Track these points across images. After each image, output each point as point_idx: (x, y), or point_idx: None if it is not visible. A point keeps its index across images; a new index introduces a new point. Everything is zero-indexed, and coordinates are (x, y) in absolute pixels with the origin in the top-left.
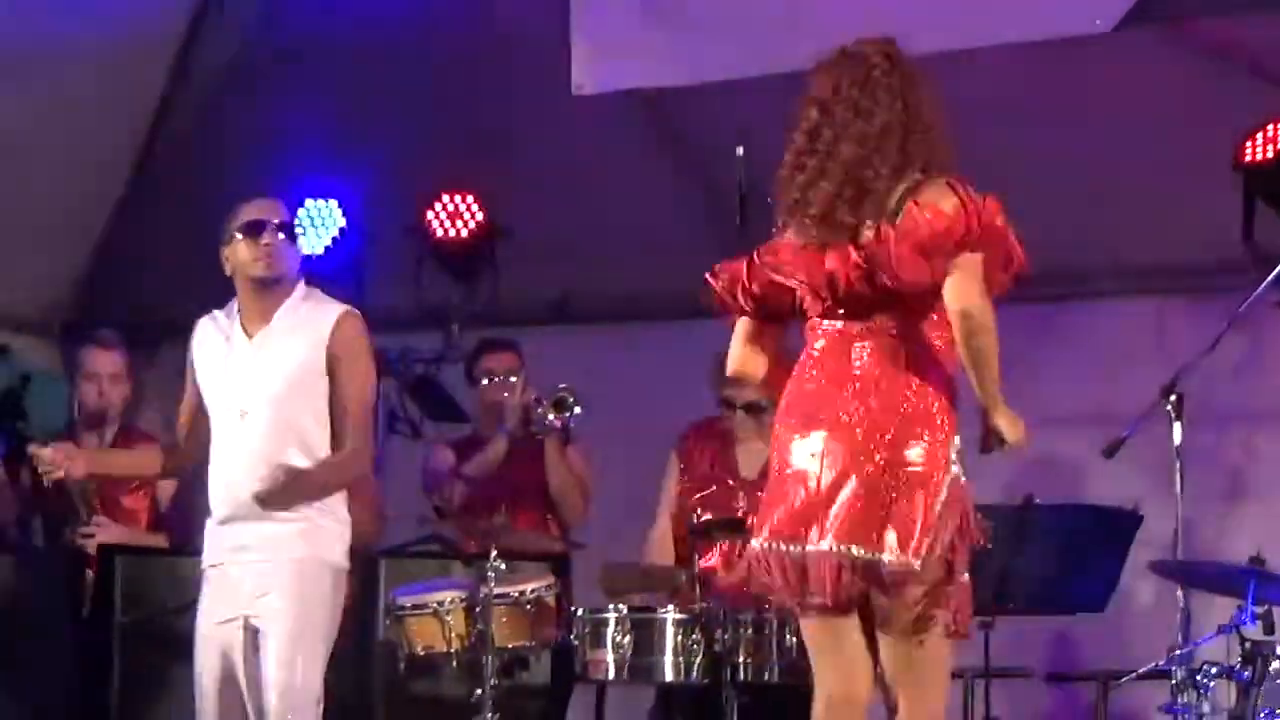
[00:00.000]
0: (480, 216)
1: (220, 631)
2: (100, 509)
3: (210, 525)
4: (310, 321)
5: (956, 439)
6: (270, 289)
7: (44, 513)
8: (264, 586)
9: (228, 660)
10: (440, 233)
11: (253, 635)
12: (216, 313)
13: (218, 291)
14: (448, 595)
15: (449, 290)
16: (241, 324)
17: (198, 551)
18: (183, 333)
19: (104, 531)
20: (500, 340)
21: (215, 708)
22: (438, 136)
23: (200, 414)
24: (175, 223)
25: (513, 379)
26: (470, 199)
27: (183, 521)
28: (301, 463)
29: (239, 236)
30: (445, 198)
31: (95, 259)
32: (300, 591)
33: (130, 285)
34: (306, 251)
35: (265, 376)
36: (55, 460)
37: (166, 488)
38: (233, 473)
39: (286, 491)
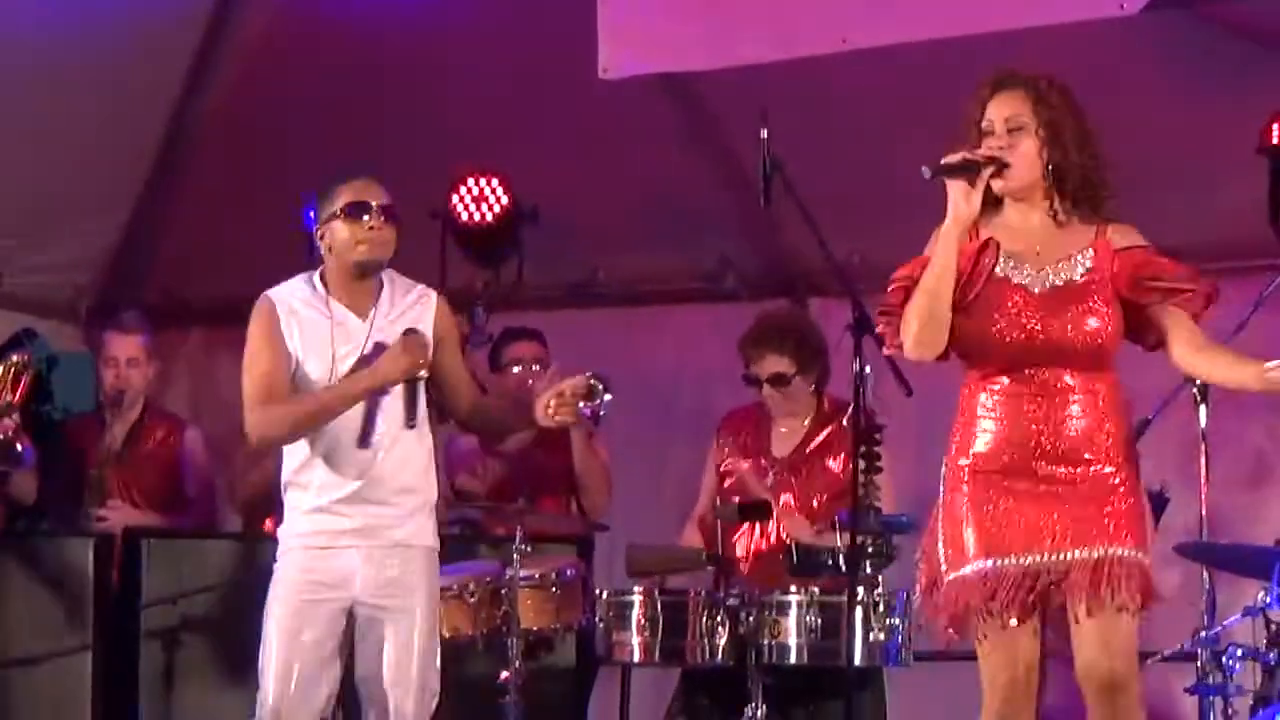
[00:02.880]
0: (505, 200)
1: (319, 609)
2: (120, 492)
3: (314, 503)
4: (419, 303)
5: None
6: (370, 272)
7: (58, 497)
8: (376, 573)
9: (322, 644)
10: (465, 216)
11: (353, 622)
12: (290, 287)
13: (244, 272)
14: (473, 578)
15: (474, 274)
16: (341, 303)
17: (222, 534)
18: (211, 314)
19: (116, 514)
20: (526, 329)
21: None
22: (463, 119)
23: (295, 389)
24: (202, 205)
25: (537, 368)
26: (495, 182)
27: (210, 500)
28: (415, 442)
29: (339, 216)
30: (470, 181)
31: (122, 241)
32: (427, 580)
33: (158, 267)
34: None
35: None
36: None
37: (198, 465)
38: (352, 452)
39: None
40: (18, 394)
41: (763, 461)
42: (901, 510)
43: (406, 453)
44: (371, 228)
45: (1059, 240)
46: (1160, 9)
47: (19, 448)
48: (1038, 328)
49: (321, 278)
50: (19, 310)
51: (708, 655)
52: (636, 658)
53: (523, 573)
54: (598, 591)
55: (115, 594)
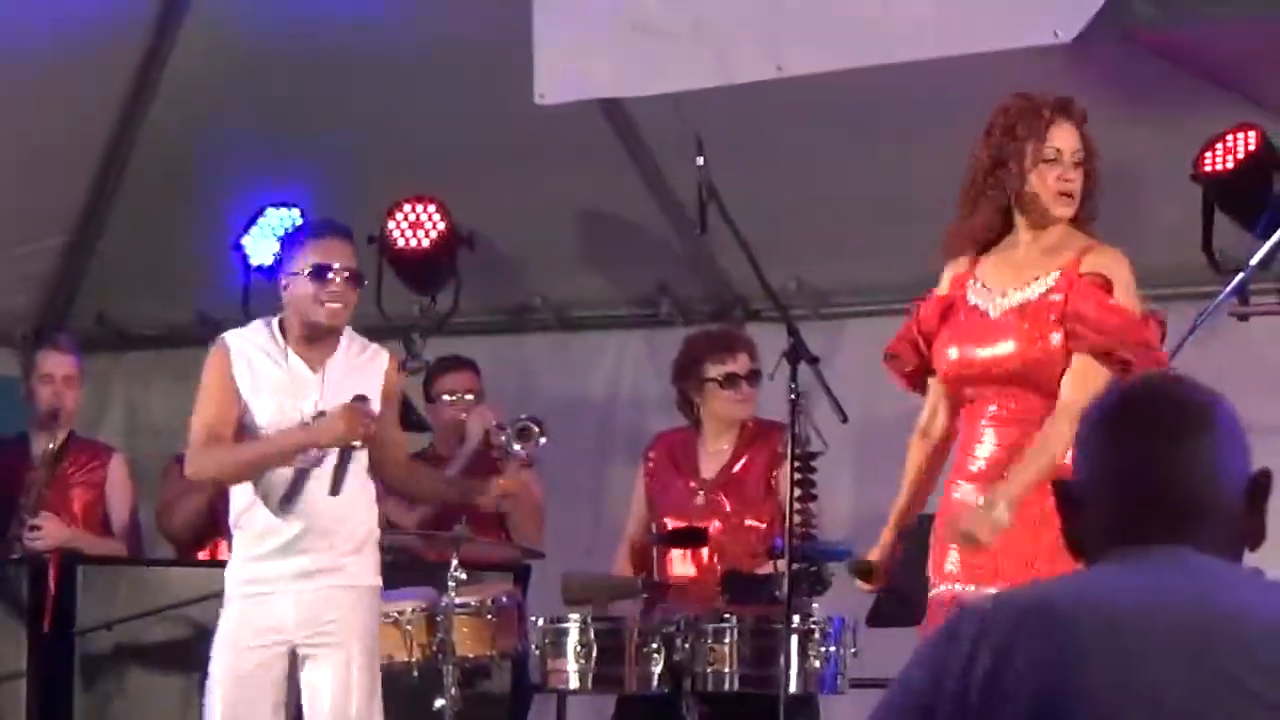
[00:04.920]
0: (442, 226)
1: (258, 657)
2: (48, 509)
3: (252, 548)
4: (371, 363)
5: None
6: (326, 334)
7: None
8: (312, 615)
9: (262, 686)
10: (402, 242)
11: (294, 664)
12: (247, 331)
13: (183, 298)
14: (408, 605)
15: (410, 300)
16: (297, 352)
17: (155, 560)
18: (147, 340)
19: (50, 527)
20: (459, 359)
21: None
22: (399, 145)
23: (242, 433)
24: (140, 231)
25: (469, 397)
26: (432, 208)
27: (137, 531)
28: (358, 494)
29: (304, 274)
30: (407, 207)
31: (59, 266)
32: (349, 619)
33: (95, 294)
34: (268, 260)
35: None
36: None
37: (122, 498)
38: (292, 499)
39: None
40: None
41: (692, 483)
42: (835, 537)
43: (348, 497)
44: (334, 291)
45: (1039, 261)
46: (1095, 38)
47: None
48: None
49: (281, 325)
50: None
51: (643, 682)
52: (572, 685)
53: (458, 600)
54: (533, 619)
55: (50, 620)
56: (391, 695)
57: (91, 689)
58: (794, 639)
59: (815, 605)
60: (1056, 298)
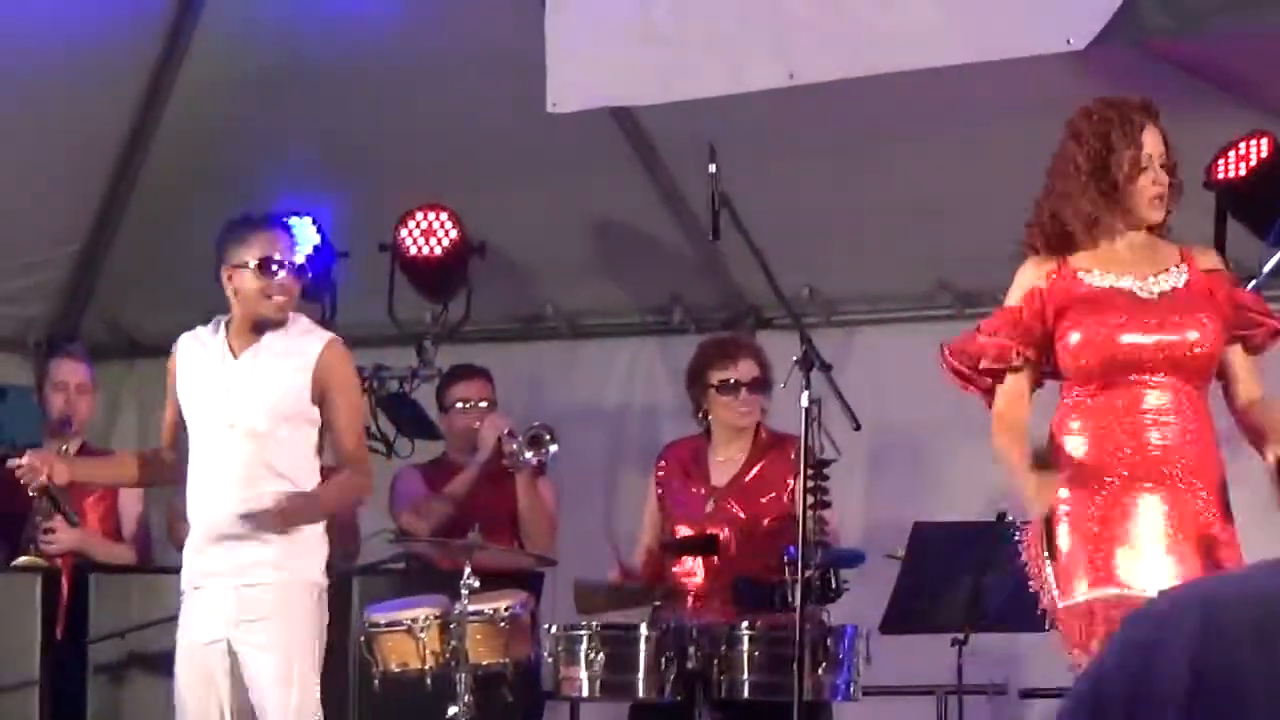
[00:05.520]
0: (455, 233)
1: (202, 653)
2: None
3: (189, 544)
4: (298, 347)
5: None
6: (271, 328)
7: (4, 529)
8: (247, 611)
9: (209, 682)
10: (414, 250)
11: (235, 660)
12: (199, 329)
13: (194, 306)
14: (422, 612)
15: (423, 307)
16: (228, 342)
17: (166, 568)
18: (159, 349)
19: (65, 533)
20: (472, 367)
21: None
22: (411, 152)
23: (180, 430)
24: (152, 239)
25: (482, 405)
26: (444, 216)
27: (146, 539)
28: (278, 488)
29: (249, 266)
30: (419, 215)
31: (72, 274)
32: (286, 614)
33: (107, 301)
34: None
35: (251, 397)
36: (36, 466)
37: (132, 506)
38: (213, 492)
39: (285, 516)
40: None
41: (703, 491)
42: (847, 544)
43: (280, 490)
44: (279, 284)
45: (1151, 257)
46: (1108, 45)
47: None
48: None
49: (227, 321)
50: None
51: (656, 690)
52: (585, 693)
53: (471, 607)
54: (546, 626)
55: (63, 628)
56: (404, 703)
57: (104, 697)
58: (807, 646)
59: (828, 612)
60: (1199, 289)
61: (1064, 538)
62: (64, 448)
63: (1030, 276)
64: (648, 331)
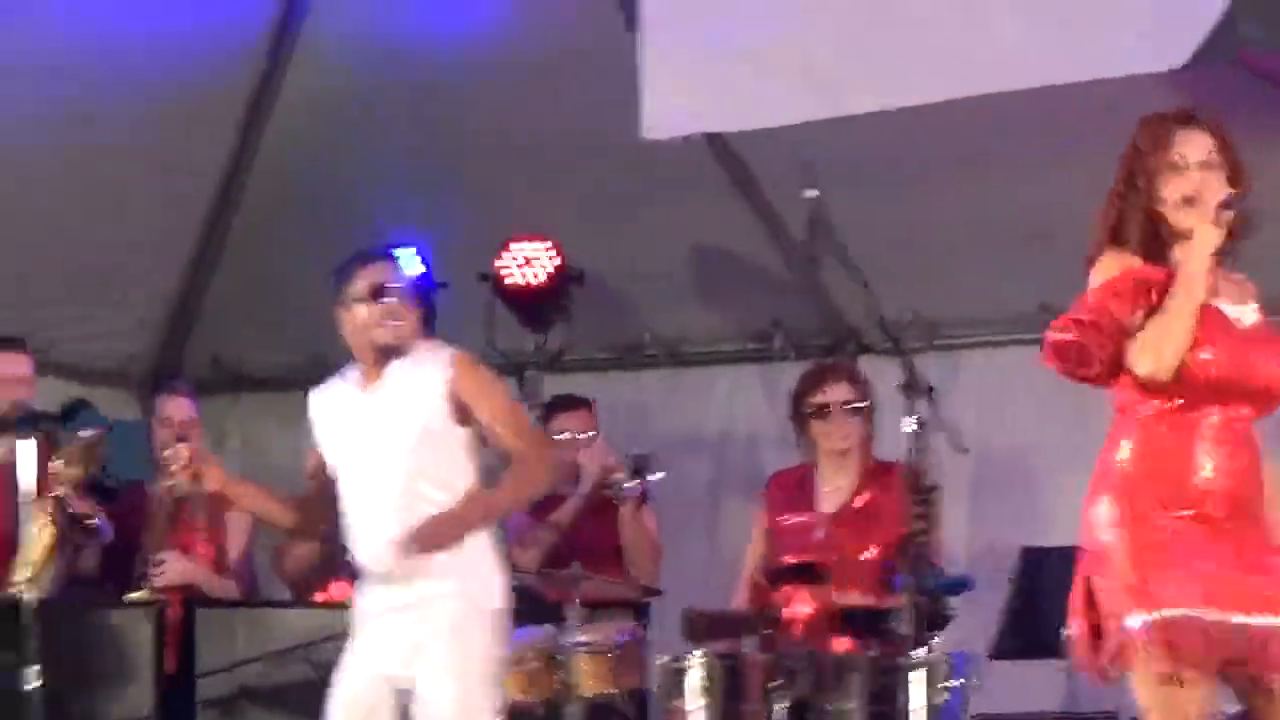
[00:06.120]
0: (555, 262)
1: (369, 688)
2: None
3: (359, 576)
4: (425, 371)
5: None
6: (390, 356)
7: (117, 562)
8: (420, 644)
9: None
10: (513, 279)
11: (404, 696)
12: (329, 382)
13: (297, 339)
14: (529, 645)
15: (523, 337)
16: (356, 381)
17: (273, 602)
18: (263, 382)
19: (173, 563)
20: (573, 398)
21: None
22: (512, 182)
23: (326, 477)
24: (253, 270)
25: (586, 435)
26: (545, 245)
27: (252, 573)
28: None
29: (361, 299)
30: (519, 244)
31: (173, 309)
32: (462, 645)
33: (209, 335)
34: None
35: (390, 430)
36: (187, 459)
37: (238, 539)
38: (372, 530)
39: (431, 537)
40: (90, 465)
41: (811, 519)
42: (954, 570)
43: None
44: (391, 310)
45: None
46: (1205, 64)
47: (96, 522)
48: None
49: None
50: (70, 379)
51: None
52: None
53: (579, 638)
54: (655, 656)
55: (173, 663)
56: None
57: None
58: (916, 674)
59: (937, 639)
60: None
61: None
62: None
63: (1109, 265)
64: (748, 358)
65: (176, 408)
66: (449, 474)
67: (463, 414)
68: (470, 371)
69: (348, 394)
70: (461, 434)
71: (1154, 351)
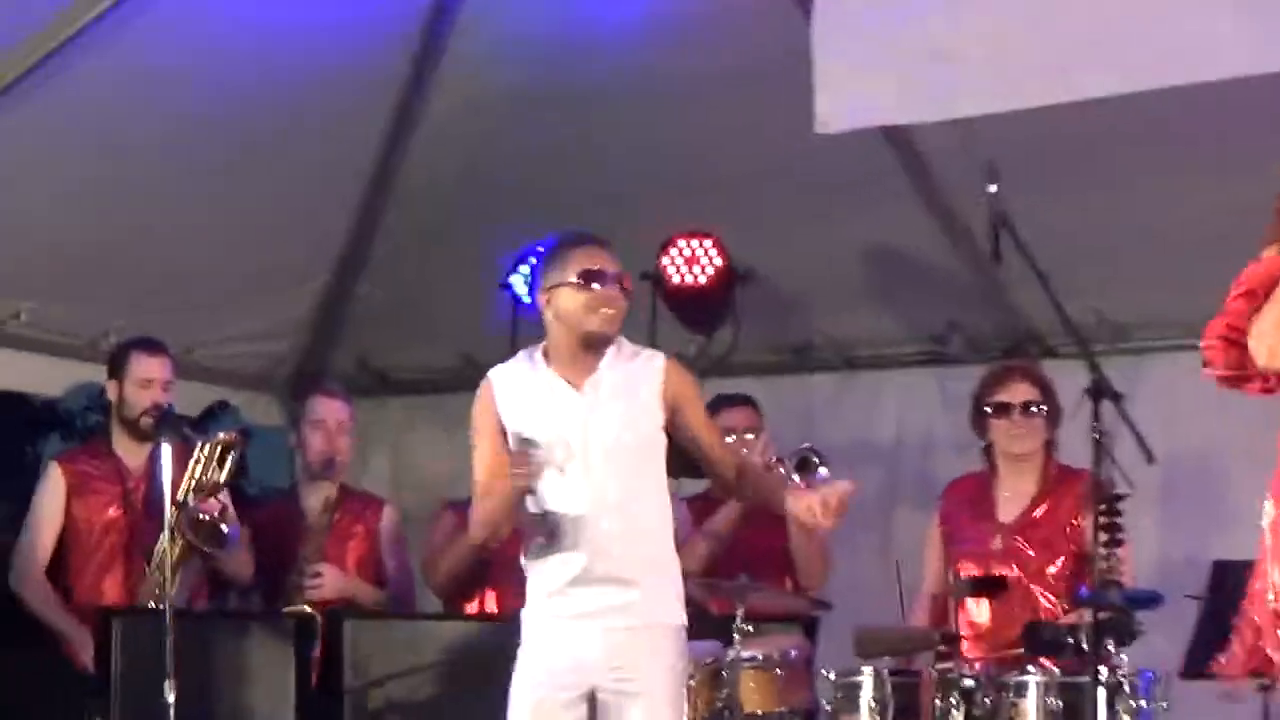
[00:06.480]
0: (719, 261)
1: (553, 701)
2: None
3: (548, 586)
4: (640, 372)
5: None
6: (598, 346)
7: (265, 575)
8: (614, 656)
9: None
10: (676, 278)
11: (593, 709)
12: (510, 364)
13: (447, 340)
14: (692, 659)
15: (686, 339)
16: (560, 374)
17: (425, 614)
18: (412, 386)
19: (330, 576)
20: (737, 395)
21: None
22: (674, 177)
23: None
24: (402, 271)
25: (750, 436)
26: (708, 243)
27: (410, 583)
28: (638, 521)
29: (570, 284)
30: (682, 242)
31: (319, 310)
32: (655, 659)
33: (354, 337)
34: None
35: (607, 432)
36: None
37: (393, 548)
38: (572, 532)
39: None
40: (225, 472)
41: (990, 528)
42: (1141, 584)
43: (644, 526)
44: (608, 298)
45: None
46: None
47: (224, 529)
48: None
49: (544, 352)
50: (212, 382)
51: None
52: None
53: (745, 653)
54: (823, 672)
55: (317, 679)
56: None
57: None
58: (1101, 693)
59: (1123, 657)
60: None
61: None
62: (328, 497)
63: None
64: (923, 362)
65: (331, 410)
66: (658, 477)
67: (671, 418)
68: (681, 375)
69: (551, 386)
70: (663, 438)
71: (1261, 341)
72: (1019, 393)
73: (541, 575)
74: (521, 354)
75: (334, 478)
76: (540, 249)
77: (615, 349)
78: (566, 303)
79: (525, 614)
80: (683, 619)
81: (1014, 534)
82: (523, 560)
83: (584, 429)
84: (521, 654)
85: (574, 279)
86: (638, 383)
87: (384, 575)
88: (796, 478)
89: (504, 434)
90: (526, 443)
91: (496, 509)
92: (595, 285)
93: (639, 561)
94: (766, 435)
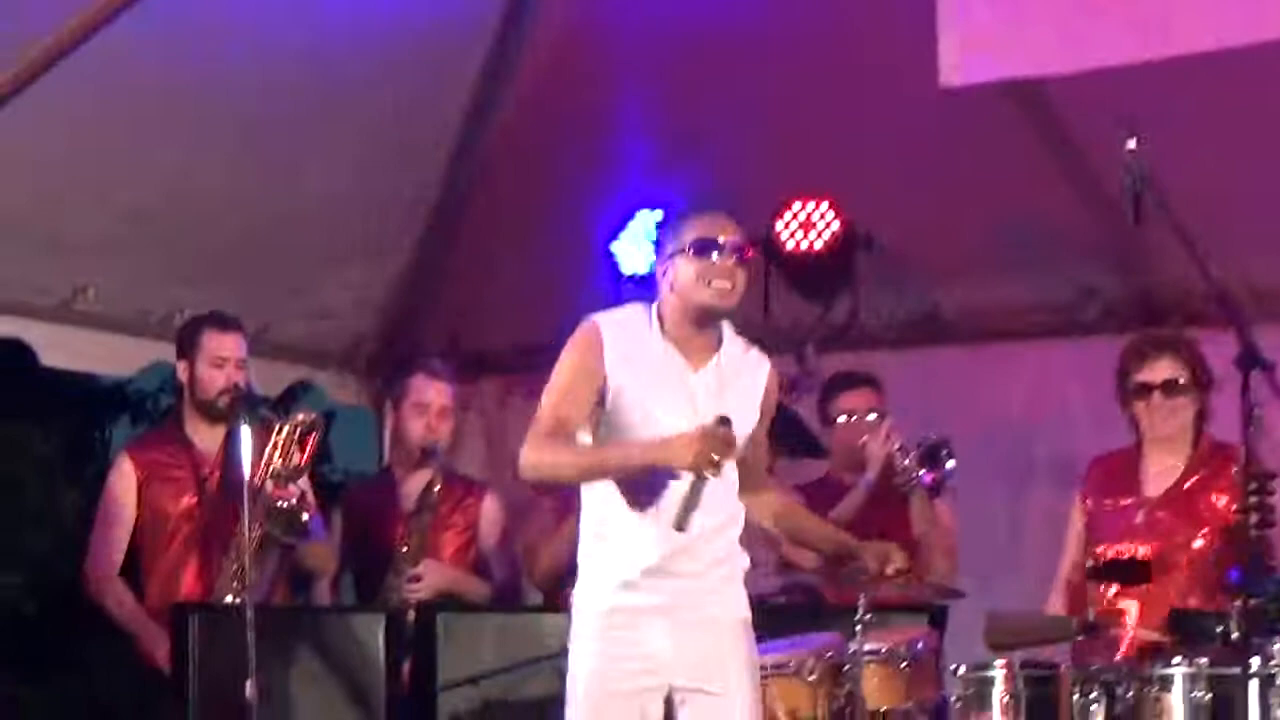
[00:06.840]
0: (836, 225)
1: (627, 700)
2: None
3: (616, 578)
4: (751, 370)
5: None
6: (712, 319)
7: (357, 567)
8: (692, 651)
9: None
10: (791, 244)
11: (671, 707)
12: (626, 314)
13: (540, 315)
14: (812, 653)
15: (802, 308)
16: (677, 348)
17: (525, 608)
18: (505, 365)
19: (431, 576)
20: (858, 375)
21: None
22: (787, 135)
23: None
24: (492, 243)
25: (872, 416)
26: (825, 206)
27: (515, 576)
28: (723, 518)
29: (685, 252)
30: (796, 205)
31: (404, 285)
32: (736, 654)
33: (441, 314)
34: (639, 269)
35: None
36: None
37: (495, 539)
38: (662, 520)
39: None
40: (304, 456)
41: (1134, 503)
42: None
43: (724, 521)
44: (723, 268)
45: None
46: None
47: (305, 517)
48: None
49: (659, 315)
50: (293, 361)
51: None
52: None
53: (868, 646)
54: (952, 666)
55: (410, 676)
56: None
57: None
58: (1254, 686)
59: (1277, 647)
60: None
61: None
62: (435, 489)
63: None
64: (1057, 332)
65: (436, 392)
66: (733, 474)
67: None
68: (775, 389)
69: (667, 356)
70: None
71: None
72: (1160, 370)
73: (610, 562)
74: (638, 307)
75: (435, 464)
76: (643, 214)
77: (728, 340)
78: (680, 274)
79: (585, 602)
80: (748, 614)
81: (1158, 508)
82: (589, 544)
83: (695, 413)
84: (581, 646)
85: (688, 248)
86: (747, 381)
87: (486, 567)
88: (924, 471)
89: (603, 384)
90: (724, 421)
91: (599, 467)
92: (710, 255)
93: (716, 555)
94: (890, 421)
